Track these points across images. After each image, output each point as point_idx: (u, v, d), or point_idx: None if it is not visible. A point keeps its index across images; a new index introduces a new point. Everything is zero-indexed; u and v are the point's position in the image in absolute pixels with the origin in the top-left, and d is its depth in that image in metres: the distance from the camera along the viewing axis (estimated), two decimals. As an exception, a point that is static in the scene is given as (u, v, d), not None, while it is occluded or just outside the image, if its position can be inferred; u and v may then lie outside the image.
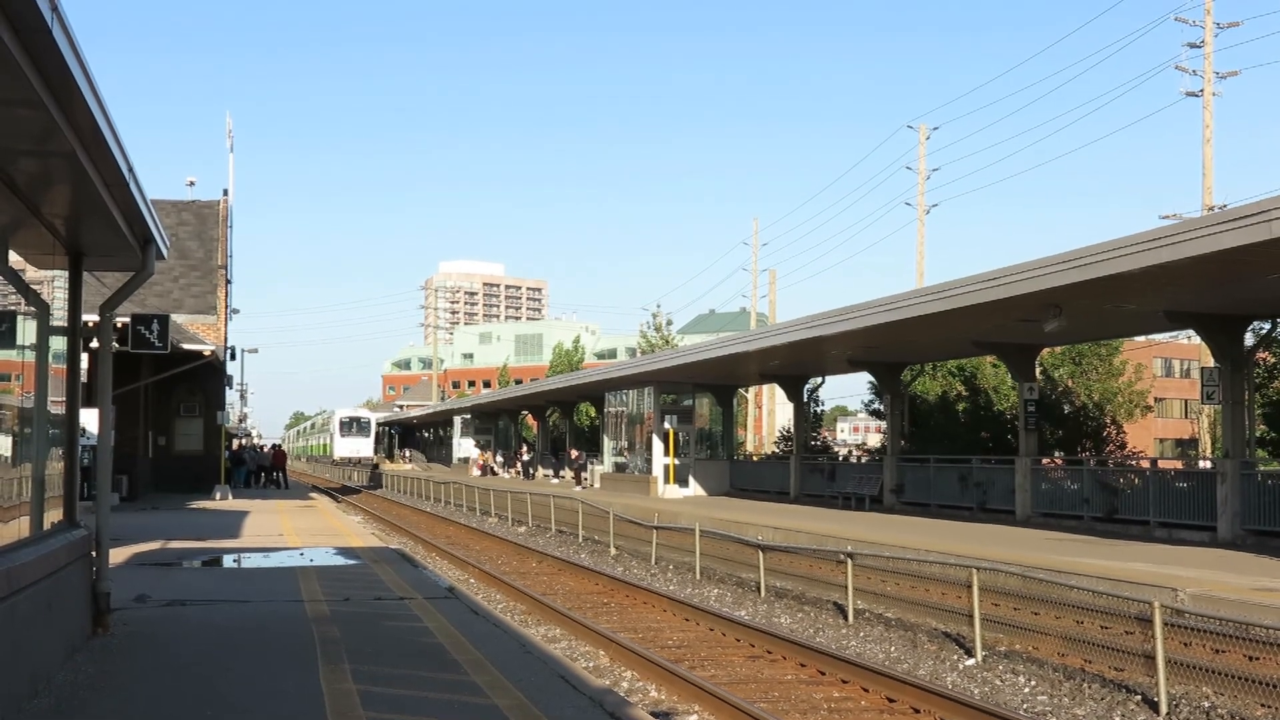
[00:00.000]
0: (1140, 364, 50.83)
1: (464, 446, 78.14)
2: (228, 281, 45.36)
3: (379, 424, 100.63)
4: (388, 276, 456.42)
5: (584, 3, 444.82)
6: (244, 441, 79.81)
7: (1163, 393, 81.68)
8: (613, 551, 28.37)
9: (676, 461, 41.26)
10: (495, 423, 76.25)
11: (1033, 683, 13.02)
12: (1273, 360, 33.96)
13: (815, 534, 23.16)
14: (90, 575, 11.87)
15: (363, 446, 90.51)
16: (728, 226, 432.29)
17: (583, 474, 50.78)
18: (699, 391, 44.15)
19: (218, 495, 39.92)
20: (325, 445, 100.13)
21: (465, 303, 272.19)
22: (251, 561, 20.64)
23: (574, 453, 54.65)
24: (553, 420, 68.61)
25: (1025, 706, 12.04)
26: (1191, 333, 27.65)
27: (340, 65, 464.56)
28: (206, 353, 38.10)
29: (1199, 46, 40.29)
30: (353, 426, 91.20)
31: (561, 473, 56.65)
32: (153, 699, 9.23)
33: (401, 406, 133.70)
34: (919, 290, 27.26)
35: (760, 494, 39.71)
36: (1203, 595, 14.18)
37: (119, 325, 13.82)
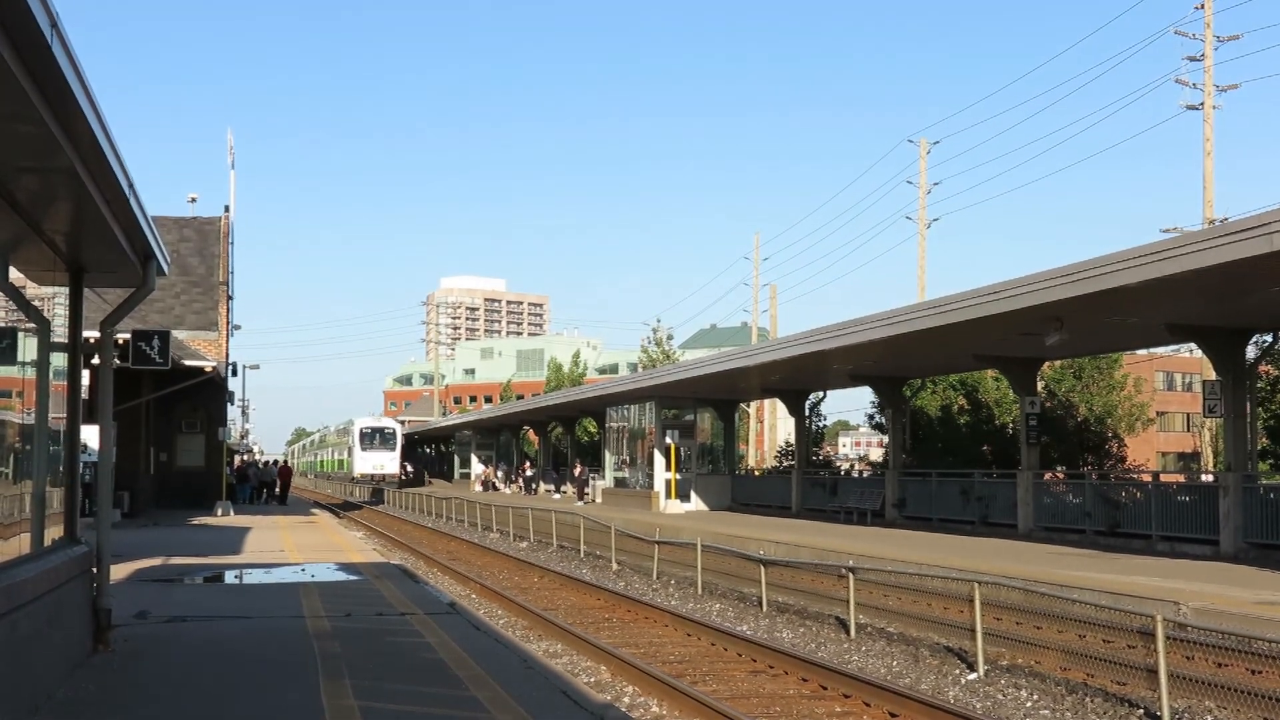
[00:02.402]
0: (1140, 377, 50.82)
1: (473, 463, 76.71)
2: (229, 297, 45.40)
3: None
4: (389, 292, 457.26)
5: (584, 19, 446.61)
6: (246, 458, 79.23)
7: (1165, 406, 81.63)
8: (614, 567, 28.32)
9: (678, 476, 41.25)
10: (497, 438, 76.21)
11: (1035, 697, 12.98)
12: (1275, 373, 33.93)
13: (817, 548, 23.12)
14: (91, 591, 11.85)
15: (387, 461, 77.62)
16: (729, 241, 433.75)
17: (585, 489, 50.72)
18: (700, 406, 44.16)
19: (219, 511, 39.92)
20: (342, 460, 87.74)
21: (467, 318, 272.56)
22: (253, 577, 20.61)
23: (577, 468, 54.58)
24: (554, 435, 68.60)
25: (1028, 721, 12.02)
26: (1194, 346, 27.64)
27: (341, 82, 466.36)
28: (208, 369, 38.12)
29: (1199, 60, 40.33)
30: (375, 438, 77.91)
31: (563, 488, 56.60)
32: (153, 716, 9.22)
33: (403, 422, 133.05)
34: (920, 304, 27.28)
35: (762, 509, 39.66)
36: (1205, 609, 14.16)
37: (120, 341, 13.79)
